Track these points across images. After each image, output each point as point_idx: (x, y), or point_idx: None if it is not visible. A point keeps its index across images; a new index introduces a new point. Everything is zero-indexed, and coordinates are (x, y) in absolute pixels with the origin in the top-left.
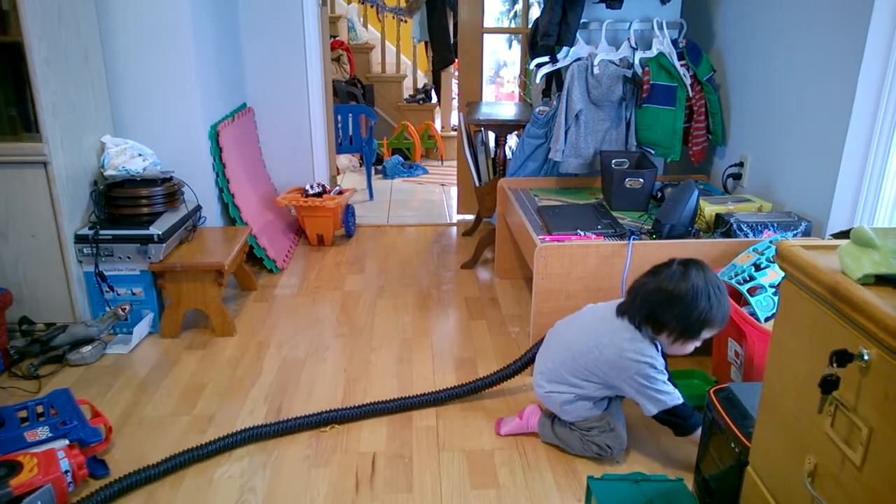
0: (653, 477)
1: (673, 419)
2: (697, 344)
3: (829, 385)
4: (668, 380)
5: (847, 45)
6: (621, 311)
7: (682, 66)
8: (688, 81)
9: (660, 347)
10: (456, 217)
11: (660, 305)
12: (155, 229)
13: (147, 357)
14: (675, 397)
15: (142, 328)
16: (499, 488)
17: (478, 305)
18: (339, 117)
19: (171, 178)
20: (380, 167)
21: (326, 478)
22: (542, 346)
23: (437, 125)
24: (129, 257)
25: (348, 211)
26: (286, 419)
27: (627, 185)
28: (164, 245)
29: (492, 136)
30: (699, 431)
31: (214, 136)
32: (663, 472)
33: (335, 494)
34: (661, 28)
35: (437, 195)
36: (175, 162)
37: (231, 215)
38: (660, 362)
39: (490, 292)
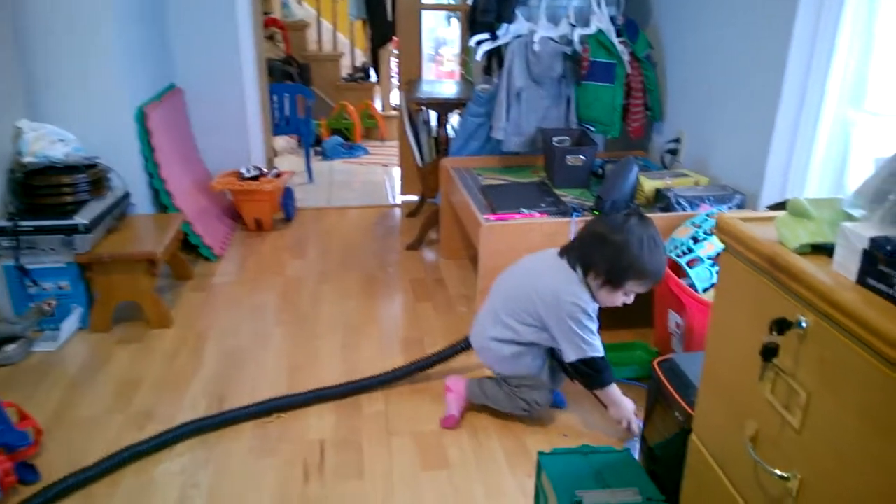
0: (600, 449)
1: (588, 370)
2: (626, 299)
3: (769, 353)
4: (597, 331)
5: (777, 23)
6: (562, 251)
7: (620, 42)
8: (626, 58)
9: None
10: (399, 198)
11: (592, 245)
12: (80, 219)
13: (77, 354)
14: (596, 349)
15: (70, 323)
16: (450, 468)
17: (424, 287)
18: (275, 97)
19: (95, 165)
20: (319, 148)
21: (273, 468)
22: (484, 302)
23: (377, 105)
24: (53, 249)
25: (287, 194)
26: (227, 410)
27: (569, 163)
28: (91, 235)
29: (433, 115)
30: (609, 390)
31: (141, 118)
32: (610, 444)
33: (283, 485)
34: (599, 5)
35: (378, 176)
36: (99, 147)
37: (162, 202)
38: (592, 308)
39: (436, 273)
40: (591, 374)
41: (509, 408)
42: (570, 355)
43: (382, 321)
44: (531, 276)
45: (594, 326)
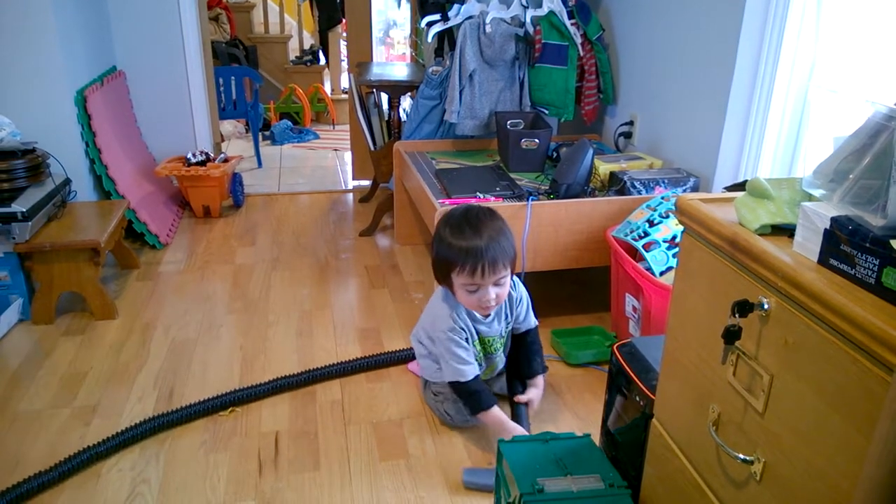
0: (561, 435)
1: (457, 395)
2: (480, 295)
3: (731, 335)
4: (466, 355)
5: (728, 4)
6: None
7: (572, 24)
8: (578, 40)
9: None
10: (351, 183)
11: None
12: (18, 206)
13: (18, 346)
14: (456, 372)
15: (10, 315)
16: (409, 458)
17: (379, 273)
18: (221, 80)
19: (33, 150)
20: (267, 133)
21: (226, 463)
22: None
23: (327, 88)
24: None
25: (235, 180)
26: (182, 407)
27: (523, 146)
28: (30, 223)
29: (385, 97)
30: (486, 417)
31: (81, 102)
32: (570, 430)
33: (237, 479)
34: None
35: (330, 161)
36: (37, 132)
37: (105, 188)
38: (455, 326)
39: (391, 259)
40: (460, 398)
41: (433, 409)
42: (445, 376)
43: (337, 309)
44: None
45: (455, 347)
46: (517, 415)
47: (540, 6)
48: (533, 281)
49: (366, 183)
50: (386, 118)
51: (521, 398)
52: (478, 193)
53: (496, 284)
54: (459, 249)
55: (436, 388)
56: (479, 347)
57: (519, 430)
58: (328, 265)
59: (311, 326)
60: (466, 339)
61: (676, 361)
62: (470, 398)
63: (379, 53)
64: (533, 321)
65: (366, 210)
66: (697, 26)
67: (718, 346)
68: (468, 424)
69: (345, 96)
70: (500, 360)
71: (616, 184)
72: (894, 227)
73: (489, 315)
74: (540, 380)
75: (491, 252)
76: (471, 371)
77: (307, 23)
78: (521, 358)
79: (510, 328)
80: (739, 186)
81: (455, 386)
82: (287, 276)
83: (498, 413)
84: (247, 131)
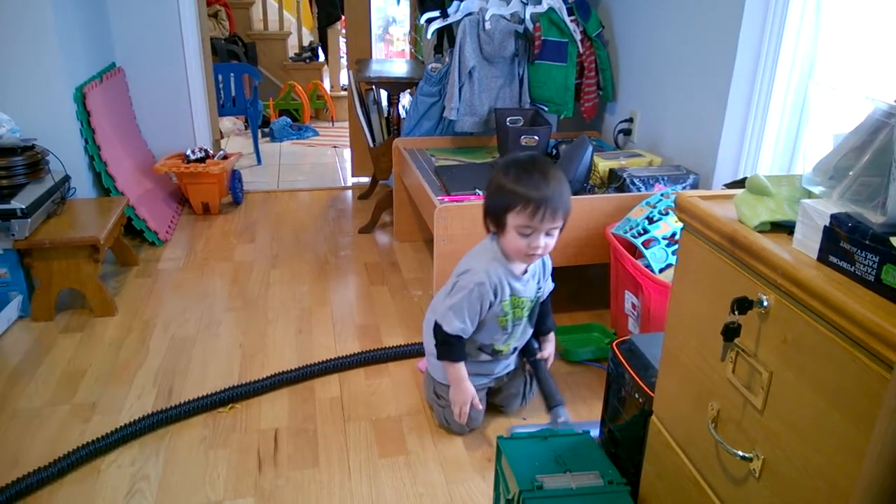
0: (560, 432)
1: (436, 336)
2: (531, 241)
3: (730, 332)
4: (472, 318)
5: (728, 1)
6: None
7: (571, 21)
8: (578, 37)
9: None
10: (351, 180)
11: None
12: (18, 203)
13: (18, 343)
14: (447, 320)
15: (9, 312)
16: (408, 455)
17: (378, 270)
18: (220, 77)
19: (33, 147)
20: (267, 130)
21: (226, 459)
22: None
23: (326, 84)
24: None
25: (235, 177)
26: (181, 403)
27: (523, 143)
28: (30, 220)
29: (384, 94)
30: (449, 368)
31: (80, 98)
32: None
33: (236, 475)
34: None
35: (329, 158)
36: (37, 129)
37: (105, 185)
38: (483, 283)
39: (390, 256)
40: (436, 340)
41: (436, 414)
42: (432, 320)
43: (336, 306)
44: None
45: (467, 305)
46: (539, 370)
47: (539, 3)
48: None
49: (365, 180)
50: (385, 115)
51: (543, 354)
52: (477, 190)
53: (548, 234)
54: (526, 188)
55: (440, 391)
56: (509, 309)
57: (470, 392)
58: (327, 262)
59: (310, 323)
60: (490, 305)
61: (676, 359)
62: (449, 347)
63: (378, 50)
64: (552, 284)
65: (365, 207)
66: (697, 23)
67: (718, 344)
68: (464, 433)
69: (344, 93)
70: (523, 334)
71: (615, 181)
72: (894, 224)
73: (527, 271)
74: (552, 335)
75: (555, 199)
76: (465, 333)
77: (306, 19)
78: (538, 317)
79: (539, 294)
80: (739, 183)
81: (441, 331)
82: (286, 273)
83: (463, 369)
84: (246, 128)
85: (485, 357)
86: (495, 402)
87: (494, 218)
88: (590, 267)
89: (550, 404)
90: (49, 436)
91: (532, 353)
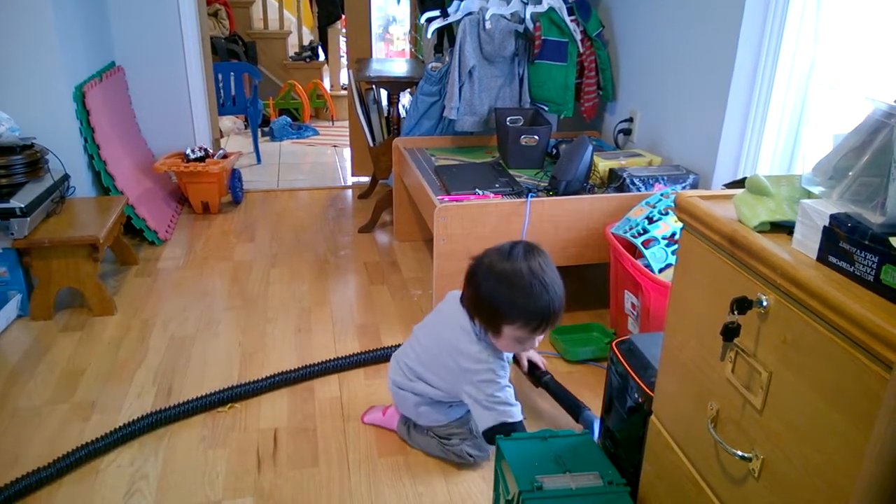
0: (560, 433)
1: (502, 432)
2: (525, 346)
3: (730, 332)
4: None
5: (728, 1)
6: (462, 300)
7: (571, 21)
8: (578, 37)
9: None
10: (350, 179)
11: (468, 286)
12: (17, 202)
13: (17, 342)
14: (516, 413)
15: (8, 311)
16: (407, 454)
17: (378, 270)
18: (220, 76)
19: (32, 146)
20: (266, 129)
21: (225, 458)
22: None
23: (326, 84)
24: None
25: (234, 176)
26: (180, 402)
27: (523, 143)
28: (29, 219)
29: (384, 94)
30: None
31: (80, 97)
32: (569, 428)
33: (235, 474)
34: None
35: (329, 157)
36: (36, 127)
37: (104, 184)
38: (500, 366)
39: (390, 256)
40: (490, 436)
41: (443, 455)
42: (487, 422)
43: (336, 305)
44: (441, 331)
45: (509, 388)
46: (552, 390)
47: (540, 3)
48: None
49: (365, 179)
50: (385, 114)
51: (540, 366)
52: (477, 190)
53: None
54: (526, 303)
55: (445, 432)
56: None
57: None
58: (327, 262)
59: (309, 323)
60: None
61: (675, 358)
62: (512, 425)
63: (378, 50)
64: None
65: (365, 206)
66: (697, 23)
67: (717, 344)
68: (486, 458)
69: (344, 92)
70: None
71: (615, 181)
72: (893, 224)
73: None
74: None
75: (556, 309)
76: (519, 410)
77: (306, 19)
78: None
79: None
80: (739, 183)
81: (509, 425)
82: (286, 272)
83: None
84: (246, 127)
85: None
86: None
87: (488, 323)
88: (590, 267)
89: (576, 413)
90: (48, 434)
91: (537, 379)
